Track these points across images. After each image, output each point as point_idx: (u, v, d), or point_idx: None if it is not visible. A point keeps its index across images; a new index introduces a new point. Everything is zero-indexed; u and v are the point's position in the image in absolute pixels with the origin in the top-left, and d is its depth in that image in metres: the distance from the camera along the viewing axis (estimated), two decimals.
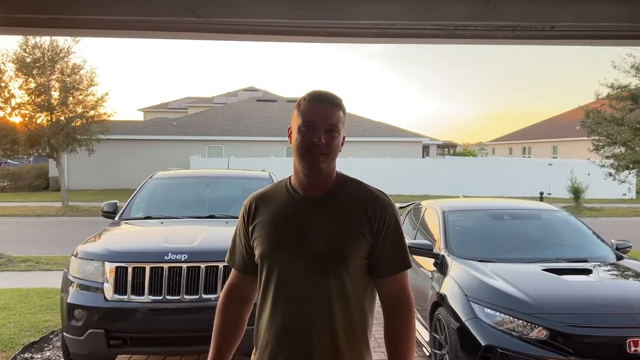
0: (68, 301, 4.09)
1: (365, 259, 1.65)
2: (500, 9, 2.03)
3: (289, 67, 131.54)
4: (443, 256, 4.71)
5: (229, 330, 1.79)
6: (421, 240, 5.20)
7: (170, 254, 4.09)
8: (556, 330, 3.55)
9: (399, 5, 2.04)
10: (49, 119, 18.62)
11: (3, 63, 18.01)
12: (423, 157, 30.58)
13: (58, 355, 4.81)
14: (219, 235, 4.48)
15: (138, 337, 4.06)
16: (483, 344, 3.67)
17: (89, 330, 3.98)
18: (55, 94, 18.86)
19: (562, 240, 5.21)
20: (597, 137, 14.02)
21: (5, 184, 25.86)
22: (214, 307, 1.83)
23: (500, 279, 4.10)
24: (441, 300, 4.30)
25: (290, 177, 1.75)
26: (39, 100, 18.45)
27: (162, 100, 48.76)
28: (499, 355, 3.59)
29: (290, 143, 1.69)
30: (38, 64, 18.24)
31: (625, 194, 23.40)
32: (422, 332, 4.93)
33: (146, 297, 4.00)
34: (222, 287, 2.61)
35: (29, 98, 18.49)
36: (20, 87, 18.49)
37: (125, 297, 4.00)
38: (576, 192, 20.02)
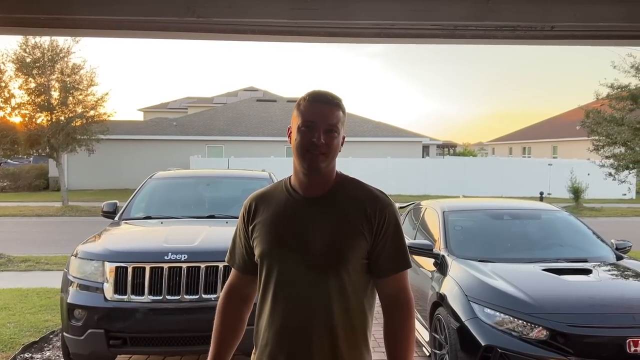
0: (68, 301, 4.09)
1: (364, 259, 1.65)
2: (500, 9, 2.03)
3: (289, 67, 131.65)
4: (443, 256, 4.71)
5: (229, 330, 1.79)
6: (421, 240, 5.20)
7: (170, 254, 4.09)
8: (556, 330, 3.55)
9: (399, 5, 2.05)
10: (49, 119, 18.63)
11: (3, 63, 18.04)
12: (423, 157, 30.59)
13: (58, 355, 4.81)
14: (219, 235, 4.48)
15: (138, 337, 4.06)
16: (483, 344, 3.67)
17: (89, 330, 3.98)
18: (55, 94, 18.87)
19: (562, 240, 5.21)
20: (597, 137, 14.02)
21: (5, 184, 25.86)
22: (214, 307, 1.83)
23: (500, 279, 4.10)
24: (441, 300, 4.30)
25: (290, 177, 1.75)
26: (39, 100, 18.46)
27: (162, 100, 48.82)
28: (499, 355, 3.59)
29: (290, 143, 1.69)
30: (38, 64, 18.24)
31: (625, 194, 23.40)
32: (422, 332, 4.93)
33: (146, 297, 4.00)
34: (222, 287, 2.61)
35: (28, 98, 18.50)
36: (20, 87, 18.51)
37: (125, 297, 4.00)
38: (576, 192, 20.03)
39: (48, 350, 5.03)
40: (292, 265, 1.63)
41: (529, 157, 38.40)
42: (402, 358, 1.65)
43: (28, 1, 2.06)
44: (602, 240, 5.07)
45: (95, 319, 3.99)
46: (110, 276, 4.03)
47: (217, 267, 4.07)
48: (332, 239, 1.62)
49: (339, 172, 1.75)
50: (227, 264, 1.86)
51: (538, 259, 4.61)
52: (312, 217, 1.66)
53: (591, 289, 4.08)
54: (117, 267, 4.04)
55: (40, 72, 18.34)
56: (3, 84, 18.07)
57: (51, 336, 5.34)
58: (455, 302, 4.07)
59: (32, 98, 18.45)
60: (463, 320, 3.89)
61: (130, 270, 4.02)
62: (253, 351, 1.75)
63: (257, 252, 1.71)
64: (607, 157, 13.80)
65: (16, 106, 18.50)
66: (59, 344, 4.93)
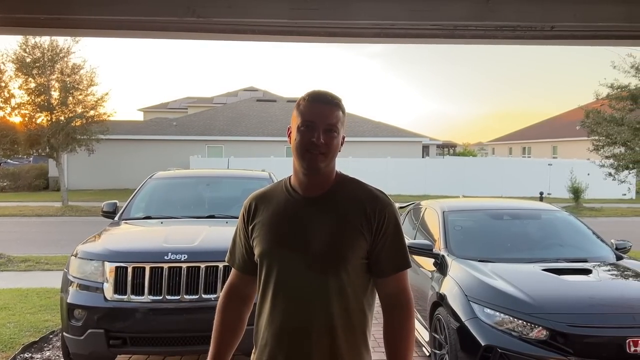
0: (68, 301, 4.09)
1: (364, 259, 1.65)
2: (500, 9, 2.04)
3: (289, 67, 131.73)
4: (443, 256, 4.71)
5: (228, 330, 1.80)
6: (421, 240, 5.20)
7: (170, 254, 4.09)
8: (556, 330, 3.55)
9: (399, 5, 2.05)
10: (49, 119, 18.63)
11: (3, 63, 18.04)
12: (423, 157, 30.60)
13: (58, 355, 4.81)
14: (219, 235, 4.48)
15: (138, 337, 4.06)
16: (483, 344, 3.67)
17: (89, 330, 3.98)
18: (55, 94, 18.87)
19: (562, 240, 5.21)
20: (597, 137, 14.02)
21: (5, 183, 25.86)
22: (214, 307, 1.84)
23: (500, 279, 4.10)
24: (441, 300, 4.30)
25: (290, 177, 1.76)
26: (39, 100, 18.45)
27: (162, 100, 48.84)
28: (499, 355, 3.59)
29: (290, 143, 1.69)
30: (38, 64, 18.24)
31: (625, 194, 23.41)
32: (422, 332, 4.93)
33: (146, 297, 4.00)
34: (222, 287, 2.61)
35: (28, 98, 18.49)
36: (20, 87, 18.51)
37: (125, 297, 4.00)
38: (576, 192, 20.04)
39: (48, 350, 5.03)
40: (292, 265, 1.63)
41: (529, 157, 38.40)
42: (402, 358, 1.65)
43: (28, 1, 2.06)
44: (602, 240, 5.07)
45: (95, 319, 3.99)
46: (110, 276, 4.03)
47: (217, 267, 4.07)
48: (332, 239, 1.62)
49: (338, 172, 1.75)
50: (227, 263, 1.87)
51: (538, 259, 4.61)
52: (311, 217, 1.66)
53: (591, 289, 4.08)
54: (117, 267, 4.04)
55: (40, 72, 18.34)
56: (3, 84, 18.07)
57: (51, 336, 5.34)
58: (455, 302, 4.07)
59: (32, 98, 18.45)
60: (463, 320, 3.89)
61: (130, 270, 4.02)
62: (253, 351, 1.75)
63: (256, 251, 1.71)
64: (607, 157, 13.81)
65: (16, 106, 18.50)
66: (58, 344, 4.93)
